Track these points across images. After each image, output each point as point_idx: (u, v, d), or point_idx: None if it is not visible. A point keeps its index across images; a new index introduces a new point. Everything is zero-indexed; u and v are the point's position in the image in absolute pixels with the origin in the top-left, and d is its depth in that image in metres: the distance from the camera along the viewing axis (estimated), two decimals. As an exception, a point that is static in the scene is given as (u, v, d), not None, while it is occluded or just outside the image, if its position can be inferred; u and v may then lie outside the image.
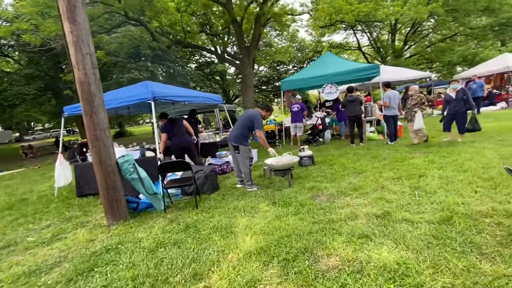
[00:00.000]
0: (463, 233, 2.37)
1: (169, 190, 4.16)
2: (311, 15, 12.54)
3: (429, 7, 11.70)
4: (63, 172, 5.43)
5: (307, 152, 5.62)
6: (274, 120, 9.71)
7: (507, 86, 13.32)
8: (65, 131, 42.57)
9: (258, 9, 10.39)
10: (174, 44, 12.51)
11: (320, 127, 8.23)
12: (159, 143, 4.79)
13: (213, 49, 14.94)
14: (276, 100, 25.48)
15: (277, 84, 24.89)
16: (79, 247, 2.97)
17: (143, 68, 14.64)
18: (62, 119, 5.58)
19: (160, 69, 15.12)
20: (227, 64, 24.58)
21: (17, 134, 40.52)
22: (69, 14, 3.09)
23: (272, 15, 11.12)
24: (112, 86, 15.30)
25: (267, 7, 10.30)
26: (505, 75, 12.48)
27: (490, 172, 3.84)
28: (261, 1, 10.71)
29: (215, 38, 13.73)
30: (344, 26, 19.52)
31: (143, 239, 2.97)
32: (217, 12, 12.40)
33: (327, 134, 8.86)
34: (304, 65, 27.84)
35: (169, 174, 4.76)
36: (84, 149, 11.75)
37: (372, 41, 25.05)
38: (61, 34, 8.89)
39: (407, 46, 23.83)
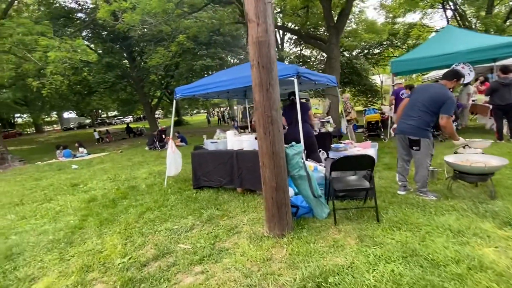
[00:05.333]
0: None
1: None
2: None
3: None
4: (174, 161, 4.90)
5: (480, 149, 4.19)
6: (375, 108, 8.29)
7: None
8: (131, 118, 46.03)
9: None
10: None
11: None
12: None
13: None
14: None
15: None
16: (262, 269, 2.16)
17: (214, 55, 14.21)
18: (174, 102, 5.03)
19: (230, 57, 14.58)
20: (288, 50, 23.32)
21: (88, 121, 45.04)
22: None
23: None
24: (184, 73, 15.29)
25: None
26: None
27: None
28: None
29: (295, 17, 12.55)
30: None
31: (357, 268, 2.03)
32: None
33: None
34: (371, 50, 25.11)
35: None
36: (163, 136, 11.83)
37: (459, 19, 21.24)
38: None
39: (507, 23, 19.62)
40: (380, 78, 39.84)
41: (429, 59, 7.13)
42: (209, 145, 4.33)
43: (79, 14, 17.77)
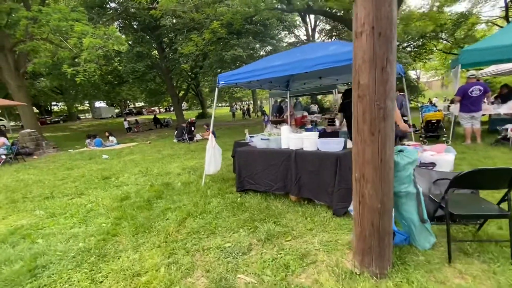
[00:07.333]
0: None
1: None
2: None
3: None
4: (213, 158, 4.30)
5: None
6: (435, 106, 7.18)
7: None
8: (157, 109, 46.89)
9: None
10: (306, 7, 10.82)
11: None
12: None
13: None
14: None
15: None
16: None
17: (245, 45, 13.51)
18: (216, 91, 4.40)
19: (261, 47, 13.84)
20: (319, 41, 22.08)
21: (117, 110, 46.52)
22: None
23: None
24: (214, 64, 14.76)
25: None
26: None
27: None
28: None
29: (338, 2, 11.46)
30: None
31: None
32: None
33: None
34: (411, 42, 23.21)
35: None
36: (193, 128, 11.43)
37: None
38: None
39: None
40: (417, 74, 37.08)
41: (507, 48, 5.91)
42: (258, 142, 3.64)
43: (112, 4, 17.84)
